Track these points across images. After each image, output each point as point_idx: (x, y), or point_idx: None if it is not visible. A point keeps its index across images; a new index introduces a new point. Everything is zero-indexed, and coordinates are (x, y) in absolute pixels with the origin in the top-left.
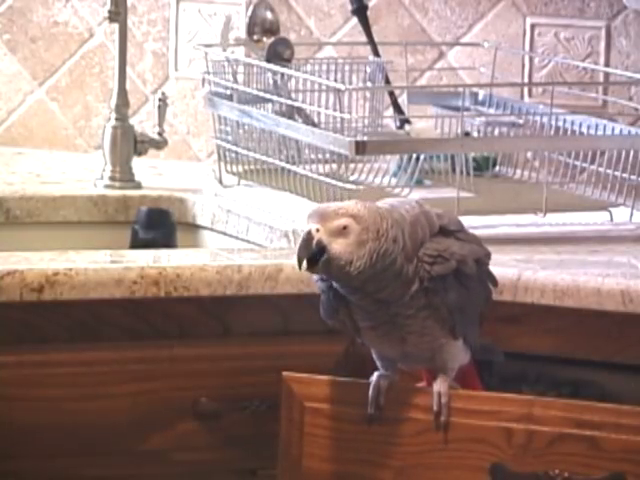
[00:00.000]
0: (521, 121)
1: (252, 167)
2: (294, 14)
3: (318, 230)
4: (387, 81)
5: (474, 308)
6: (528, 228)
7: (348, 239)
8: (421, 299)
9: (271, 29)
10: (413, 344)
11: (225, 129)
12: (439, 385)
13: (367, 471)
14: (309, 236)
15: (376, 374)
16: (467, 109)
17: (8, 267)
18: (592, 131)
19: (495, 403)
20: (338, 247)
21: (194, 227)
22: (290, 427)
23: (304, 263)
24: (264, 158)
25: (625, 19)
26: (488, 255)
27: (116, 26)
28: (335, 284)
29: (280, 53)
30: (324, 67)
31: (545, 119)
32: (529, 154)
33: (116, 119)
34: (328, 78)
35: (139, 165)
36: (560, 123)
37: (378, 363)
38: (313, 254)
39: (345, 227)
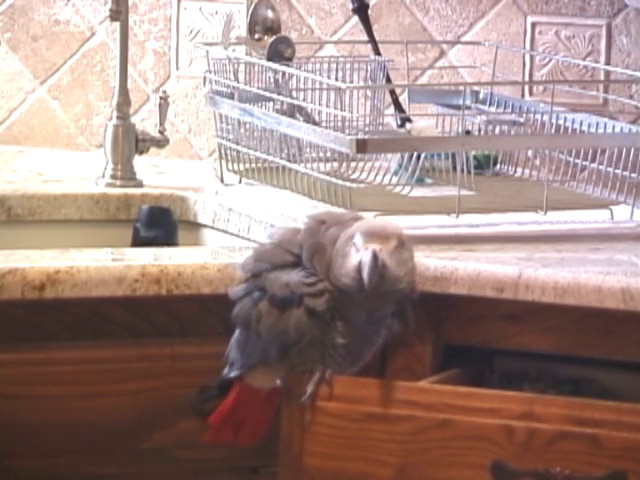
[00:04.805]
0: (522, 119)
1: (253, 165)
2: (295, 13)
3: (381, 250)
4: (388, 80)
5: None
6: (529, 226)
7: (399, 257)
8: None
9: (272, 28)
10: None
11: (226, 128)
12: None
13: (368, 469)
14: (377, 258)
15: (317, 373)
16: (468, 107)
17: (9, 265)
18: (593, 129)
19: (496, 401)
20: (394, 266)
21: (195, 225)
22: (291, 425)
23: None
24: (265, 156)
25: (626, 17)
26: None
27: (117, 25)
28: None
29: (281, 52)
30: (325, 66)
31: (546, 117)
32: (530, 152)
33: (117, 118)
34: (329, 77)
35: (140, 163)
36: (561, 121)
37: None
38: (380, 276)
39: (396, 247)
